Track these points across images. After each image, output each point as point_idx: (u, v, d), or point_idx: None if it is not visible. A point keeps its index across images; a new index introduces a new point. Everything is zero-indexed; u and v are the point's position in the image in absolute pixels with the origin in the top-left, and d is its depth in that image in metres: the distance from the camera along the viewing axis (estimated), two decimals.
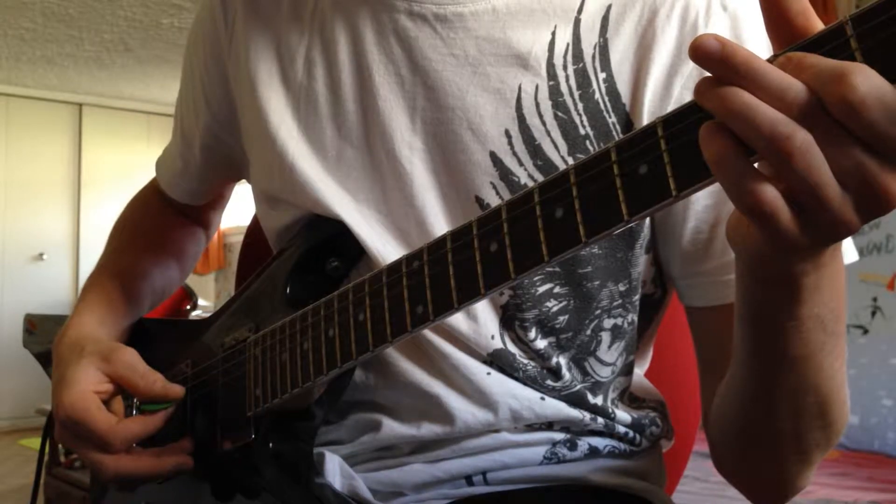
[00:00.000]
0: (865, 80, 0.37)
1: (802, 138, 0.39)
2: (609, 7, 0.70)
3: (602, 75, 0.69)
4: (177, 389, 0.78)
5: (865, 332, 3.41)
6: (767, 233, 0.43)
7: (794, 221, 0.42)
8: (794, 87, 0.39)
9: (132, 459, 0.75)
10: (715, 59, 0.40)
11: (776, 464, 0.64)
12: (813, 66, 0.39)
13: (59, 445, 3.59)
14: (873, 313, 3.39)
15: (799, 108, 0.39)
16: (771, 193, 0.41)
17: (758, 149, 0.40)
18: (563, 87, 0.69)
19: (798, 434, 0.61)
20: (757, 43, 0.67)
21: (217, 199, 1.04)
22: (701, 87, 0.41)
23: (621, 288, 0.72)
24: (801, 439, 0.61)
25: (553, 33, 0.69)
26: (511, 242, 0.52)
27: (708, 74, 0.41)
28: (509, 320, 0.71)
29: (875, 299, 3.39)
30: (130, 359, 0.78)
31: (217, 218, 1.07)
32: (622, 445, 0.77)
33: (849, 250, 0.66)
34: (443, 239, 0.57)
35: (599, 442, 0.75)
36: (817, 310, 0.51)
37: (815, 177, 0.39)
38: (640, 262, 0.72)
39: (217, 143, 0.88)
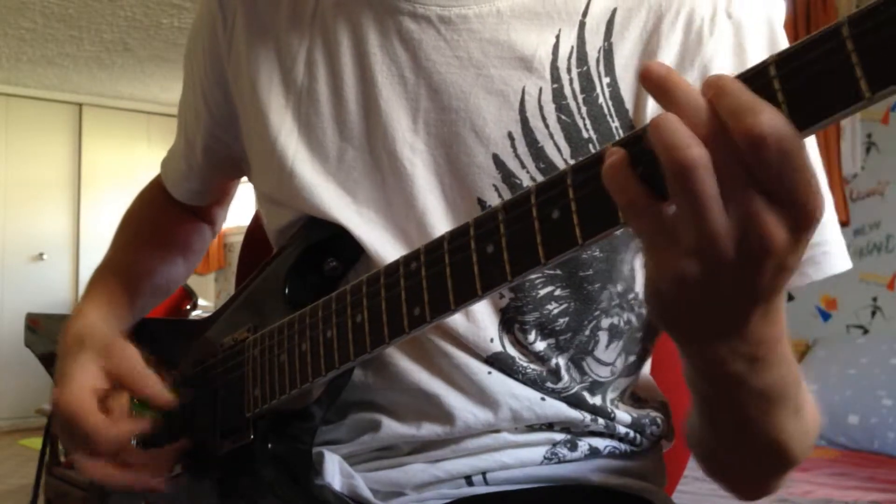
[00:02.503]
0: (770, 120, 0.39)
1: (699, 153, 0.41)
2: (614, 11, 0.69)
3: (606, 80, 0.69)
4: (167, 397, 0.77)
5: (865, 332, 3.41)
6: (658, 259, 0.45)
7: (683, 250, 0.43)
8: (704, 111, 0.41)
9: (113, 470, 0.75)
10: (652, 79, 0.43)
11: (744, 484, 0.66)
12: (731, 95, 0.41)
13: (60, 445, 3.59)
14: (873, 313, 3.39)
15: (705, 129, 0.41)
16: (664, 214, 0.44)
17: (659, 157, 0.42)
18: (567, 91, 0.68)
19: (757, 473, 0.63)
20: (759, 51, 0.67)
21: (222, 196, 1.04)
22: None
23: (619, 289, 0.72)
24: (760, 476, 0.64)
25: (557, 36, 0.69)
26: (508, 244, 0.51)
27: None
28: (509, 323, 0.71)
29: (875, 299, 3.39)
30: (129, 355, 0.77)
31: (222, 214, 1.07)
32: (623, 446, 0.77)
33: (841, 258, 0.66)
34: (440, 240, 0.57)
35: (600, 442, 0.75)
36: (753, 391, 0.52)
37: (702, 196, 0.41)
38: (635, 261, 0.72)
39: (218, 144, 0.88)
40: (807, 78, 0.38)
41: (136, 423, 0.76)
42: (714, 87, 0.42)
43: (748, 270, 0.43)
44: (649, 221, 0.44)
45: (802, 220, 0.41)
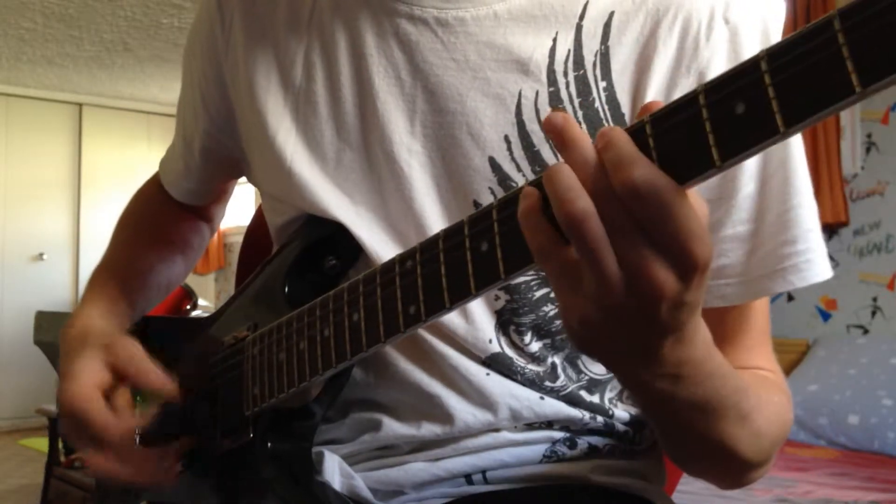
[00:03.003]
0: (643, 173, 0.42)
1: (584, 206, 0.43)
2: (612, 14, 0.69)
3: (602, 84, 0.68)
4: (172, 388, 0.77)
5: (865, 332, 3.41)
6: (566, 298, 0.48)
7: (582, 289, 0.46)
8: (592, 163, 0.44)
9: (123, 464, 0.75)
10: (550, 128, 0.46)
11: (712, 479, 0.68)
12: (614, 147, 0.43)
13: (60, 445, 3.60)
14: (873, 313, 3.40)
15: (591, 181, 0.44)
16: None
17: (552, 207, 0.45)
18: (564, 94, 0.68)
19: (715, 472, 0.66)
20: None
21: (220, 195, 1.04)
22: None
23: None
24: (721, 472, 0.66)
25: (554, 39, 0.69)
26: (502, 242, 0.51)
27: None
28: (505, 325, 0.71)
29: (875, 299, 3.39)
30: (131, 349, 0.78)
31: (220, 211, 1.07)
32: (622, 444, 0.77)
33: (823, 266, 0.67)
34: (435, 238, 0.57)
35: (599, 441, 0.75)
36: (684, 405, 0.54)
37: (593, 245, 0.44)
38: None
39: (216, 145, 0.88)
40: (798, 72, 0.38)
41: (142, 416, 0.76)
42: (603, 139, 0.44)
43: (643, 312, 0.45)
44: (556, 265, 0.47)
45: (686, 266, 0.43)
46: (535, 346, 0.71)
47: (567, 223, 0.44)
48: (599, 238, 0.44)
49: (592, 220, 0.43)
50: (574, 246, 0.45)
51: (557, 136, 0.45)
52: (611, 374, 0.76)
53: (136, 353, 0.77)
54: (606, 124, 0.68)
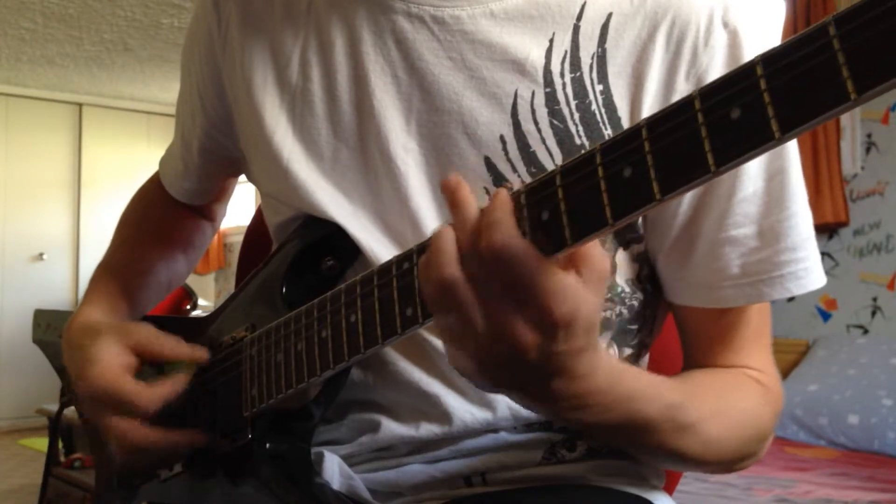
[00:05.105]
0: (502, 237, 0.45)
1: (450, 273, 0.48)
2: (609, 16, 0.69)
3: (599, 87, 0.68)
4: (199, 353, 0.79)
5: (865, 332, 3.41)
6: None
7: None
8: (470, 227, 0.48)
9: (154, 430, 0.76)
10: (445, 190, 0.50)
11: (696, 472, 0.71)
12: (489, 212, 0.47)
13: (60, 445, 3.60)
14: (873, 313, 3.39)
15: (466, 244, 0.48)
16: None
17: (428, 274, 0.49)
18: (560, 96, 0.68)
19: (688, 469, 0.69)
20: None
21: (220, 194, 1.04)
22: None
23: (607, 282, 0.72)
24: (695, 470, 0.69)
25: (551, 40, 0.69)
26: None
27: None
28: None
29: (875, 299, 3.39)
30: (148, 328, 0.79)
31: (222, 210, 1.07)
32: None
33: (818, 274, 0.68)
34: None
35: (598, 442, 0.75)
36: (604, 429, 0.58)
37: (461, 308, 0.48)
38: (616, 254, 0.72)
39: (214, 144, 0.88)
40: (793, 77, 0.38)
41: (175, 379, 0.76)
42: (492, 200, 0.47)
43: (512, 365, 0.49)
44: (440, 320, 0.51)
45: (546, 323, 0.47)
46: None
47: (437, 287, 0.48)
48: (466, 301, 0.48)
49: (459, 284, 0.47)
50: (446, 305, 0.49)
51: (449, 197, 0.49)
52: None
53: (152, 330, 0.79)
54: (603, 128, 0.68)
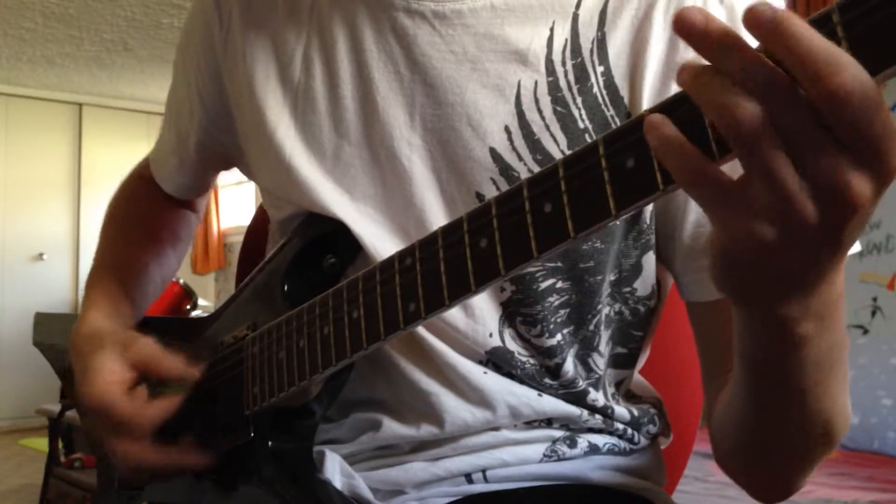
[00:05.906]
0: (857, 73, 0.36)
1: (752, 112, 0.38)
2: (607, 1, 0.70)
3: (600, 69, 0.69)
4: (196, 374, 0.78)
5: (865, 332, 3.41)
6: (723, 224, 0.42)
7: (755, 212, 0.40)
8: (763, 69, 0.38)
9: (156, 451, 0.75)
10: (696, 33, 0.39)
11: (780, 471, 0.64)
12: (801, 46, 0.36)
13: (60, 445, 3.60)
14: (873, 313, 3.39)
15: (762, 87, 0.38)
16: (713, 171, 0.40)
17: (713, 118, 0.39)
18: (562, 83, 0.69)
19: (802, 450, 0.61)
20: (753, 38, 0.66)
21: (209, 187, 1.04)
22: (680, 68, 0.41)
23: (612, 277, 0.72)
24: (804, 453, 0.61)
25: (551, 29, 0.70)
26: (501, 238, 0.51)
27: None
28: (511, 317, 0.71)
29: (875, 299, 3.39)
30: (150, 345, 0.78)
31: (204, 201, 1.07)
32: (621, 443, 0.77)
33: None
34: (435, 235, 0.57)
35: (599, 439, 0.75)
36: (814, 356, 0.51)
37: (770, 161, 0.38)
38: (633, 255, 0.72)
39: (212, 141, 0.88)
40: (874, 20, 0.36)
41: (171, 399, 0.76)
42: (771, 32, 0.37)
43: (832, 229, 0.40)
44: (711, 189, 0.41)
45: (883, 172, 0.39)
46: (544, 338, 0.71)
47: (736, 137, 0.38)
48: (776, 152, 0.38)
49: (766, 130, 0.38)
50: (744, 162, 0.39)
51: (702, 39, 0.39)
52: (607, 367, 0.76)
53: (155, 347, 0.78)
54: (605, 109, 0.68)
